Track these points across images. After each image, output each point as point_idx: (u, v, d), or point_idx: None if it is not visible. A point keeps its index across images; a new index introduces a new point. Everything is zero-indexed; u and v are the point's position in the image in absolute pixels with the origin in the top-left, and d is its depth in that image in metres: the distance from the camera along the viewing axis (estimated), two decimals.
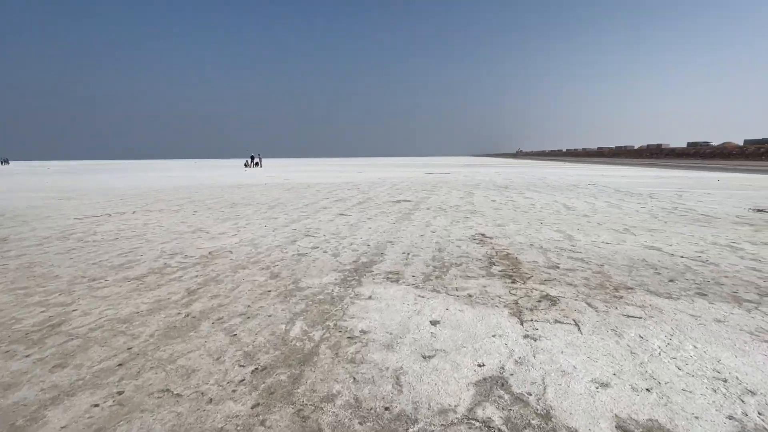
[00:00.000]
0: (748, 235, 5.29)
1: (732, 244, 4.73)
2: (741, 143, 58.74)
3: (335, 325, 2.58)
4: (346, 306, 2.89)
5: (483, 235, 5.40)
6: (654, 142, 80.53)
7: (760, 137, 55.51)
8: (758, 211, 7.44)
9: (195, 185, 15.28)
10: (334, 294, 3.14)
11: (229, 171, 30.23)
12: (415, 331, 2.48)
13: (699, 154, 60.53)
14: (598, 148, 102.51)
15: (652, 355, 2.17)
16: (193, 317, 2.72)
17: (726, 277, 3.50)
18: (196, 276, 3.66)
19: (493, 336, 2.39)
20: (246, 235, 5.50)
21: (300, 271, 3.79)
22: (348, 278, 3.54)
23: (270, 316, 2.72)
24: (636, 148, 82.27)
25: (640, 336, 2.38)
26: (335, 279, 3.52)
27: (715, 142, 64.44)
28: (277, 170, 31.51)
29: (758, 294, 3.07)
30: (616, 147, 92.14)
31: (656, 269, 3.75)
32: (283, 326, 2.55)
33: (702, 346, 2.25)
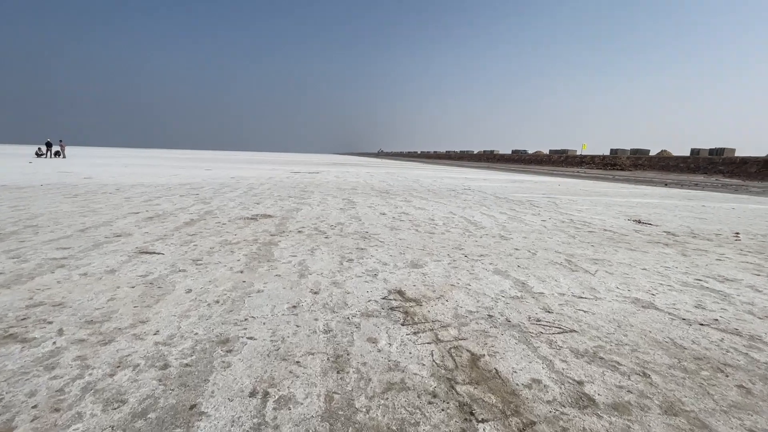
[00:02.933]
0: (687, 263, 4.47)
1: (703, 284, 3.66)
2: (547, 152, 73.49)
3: None
4: None
5: (401, 293, 3.15)
6: (488, 148, 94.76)
7: (560, 148, 70.26)
8: (639, 222, 7.35)
9: None
10: None
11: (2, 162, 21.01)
12: None
13: (521, 159, 73.34)
14: (447, 152, 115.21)
15: None
16: None
17: None
18: None
19: None
20: None
21: None
22: None
23: None
24: (475, 152, 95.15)
25: None
26: None
27: (530, 150, 79.18)
28: (92, 162, 23.43)
29: None
30: (461, 151, 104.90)
31: (723, 372, 2.13)
32: None
33: None
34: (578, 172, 38.64)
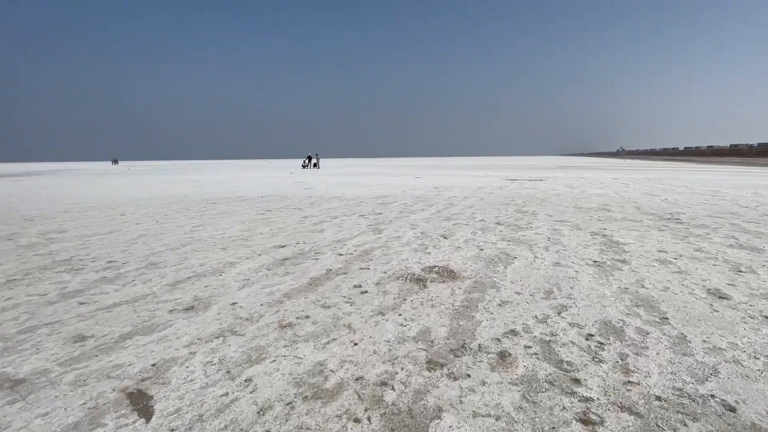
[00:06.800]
0: None
1: None
2: None
3: None
4: None
5: None
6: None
7: None
8: None
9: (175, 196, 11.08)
10: None
11: (275, 174, 26.76)
12: None
13: None
14: (709, 147, 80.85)
15: None
16: None
17: None
18: None
19: None
20: None
21: None
22: None
23: None
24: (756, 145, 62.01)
25: None
26: None
27: None
28: (331, 172, 27.25)
29: None
30: (731, 146, 70.98)
31: None
32: None
33: None
34: None
